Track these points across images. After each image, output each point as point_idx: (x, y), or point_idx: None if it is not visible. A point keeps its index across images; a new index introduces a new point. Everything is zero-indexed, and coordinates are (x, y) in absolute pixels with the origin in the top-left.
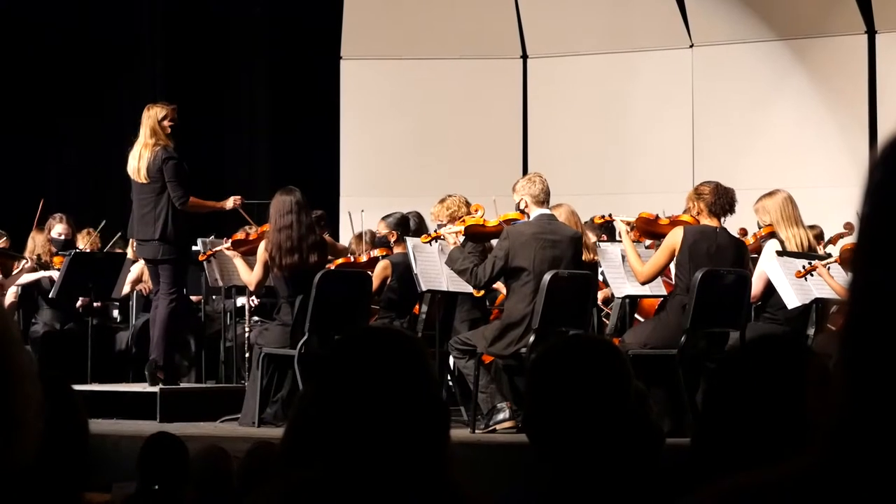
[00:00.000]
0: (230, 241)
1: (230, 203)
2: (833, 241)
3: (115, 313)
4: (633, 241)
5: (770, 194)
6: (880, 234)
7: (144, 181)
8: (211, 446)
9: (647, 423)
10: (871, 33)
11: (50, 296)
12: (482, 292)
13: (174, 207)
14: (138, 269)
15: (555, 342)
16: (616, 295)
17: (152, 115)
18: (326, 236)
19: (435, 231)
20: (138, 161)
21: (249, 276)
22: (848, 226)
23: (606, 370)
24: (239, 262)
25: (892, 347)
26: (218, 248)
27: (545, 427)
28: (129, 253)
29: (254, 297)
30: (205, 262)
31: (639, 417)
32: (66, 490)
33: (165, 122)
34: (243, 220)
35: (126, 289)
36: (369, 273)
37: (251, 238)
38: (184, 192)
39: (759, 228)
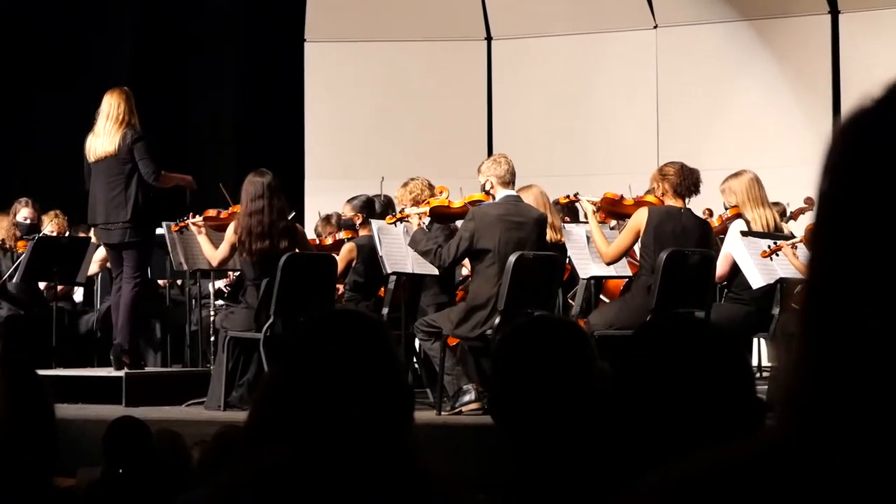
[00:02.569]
0: (202, 216)
1: (189, 179)
2: (794, 216)
3: (80, 296)
4: (599, 223)
5: (736, 175)
6: (838, 210)
7: (114, 154)
8: (161, 430)
9: (610, 404)
10: (835, 13)
11: (13, 280)
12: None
13: (144, 189)
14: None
15: (520, 323)
16: (581, 276)
17: (124, 97)
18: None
19: (400, 212)
20: (111, 136)
21: (213, 252)
22: (808, 201)
23: (571, 351)
24: (202, 239)
25: (852, 324)
26: (189, 222)
27: (511, 408)
28: (93, 237)
29: (222, 282)
30: (169, 245)
31: (603, 398)
32: (35, 474)
33: (133, 106)
34: (211, 204)
35: (94, 268)
36: (335, 256)
37: (222, 217)
38: (155, 168)
39: (726, 209)
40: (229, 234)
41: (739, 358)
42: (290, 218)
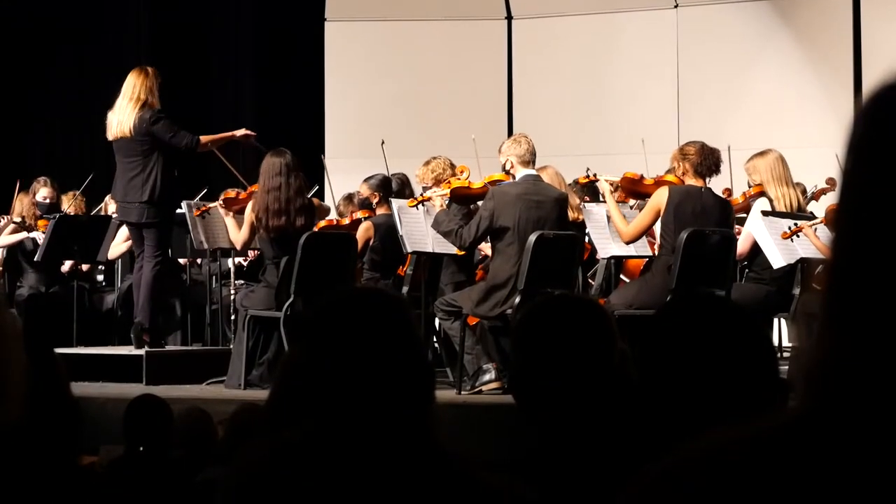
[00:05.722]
0: (222, 199)
1: (241, 132)
2: (816, 196)
3: (100, 276)
4: (618, 202)
5: (762, 154)
6: (862, 189)
7: (129, 135)
8: (192, 408)
9: (630, 383)
10: None
11: (35, 259)
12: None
13: (165, 169)
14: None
15: (540, 302)
16: (601, 255)
17: (150, 76)
18: (315, 199)
19: (422, 195)
20: (126, 116)
21: (237, 235)
22: (830, 181)
23: (592, 330)
24: (229, 221)
25: (873, 303)
26: (212, 206)
27: (531, 387)
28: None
29: (241, 259)
30: (189, 224)
31: (622, 377)
32: (59, 452)
33: (156, 87)
34: (231, 181)
35: (123, 248)
36: (354, 234)
37: (241, 197)
38: (190, 138)
39: (749, 187)
40: (248, 215)
41: (761, 336)
42: (309, 194)
